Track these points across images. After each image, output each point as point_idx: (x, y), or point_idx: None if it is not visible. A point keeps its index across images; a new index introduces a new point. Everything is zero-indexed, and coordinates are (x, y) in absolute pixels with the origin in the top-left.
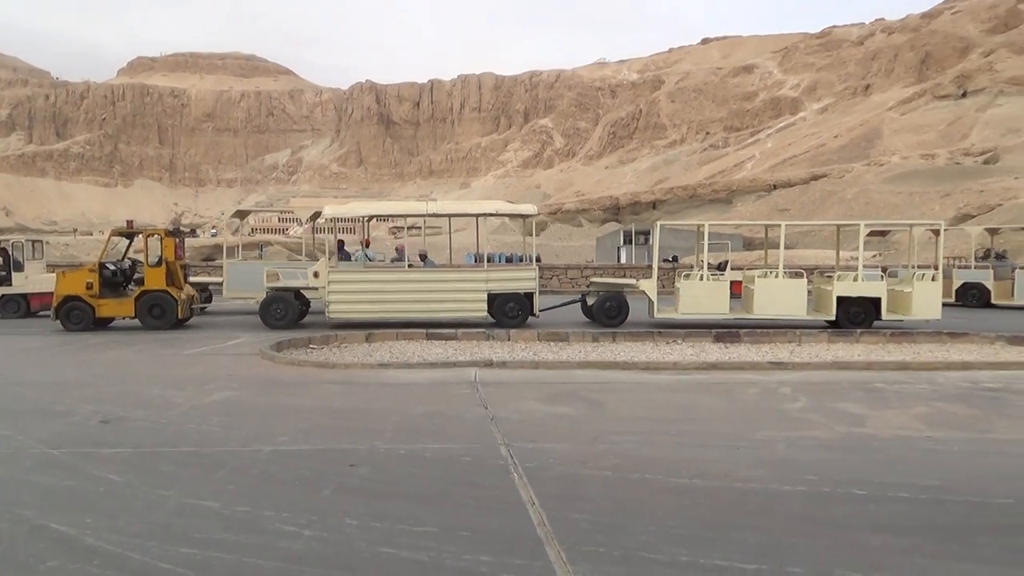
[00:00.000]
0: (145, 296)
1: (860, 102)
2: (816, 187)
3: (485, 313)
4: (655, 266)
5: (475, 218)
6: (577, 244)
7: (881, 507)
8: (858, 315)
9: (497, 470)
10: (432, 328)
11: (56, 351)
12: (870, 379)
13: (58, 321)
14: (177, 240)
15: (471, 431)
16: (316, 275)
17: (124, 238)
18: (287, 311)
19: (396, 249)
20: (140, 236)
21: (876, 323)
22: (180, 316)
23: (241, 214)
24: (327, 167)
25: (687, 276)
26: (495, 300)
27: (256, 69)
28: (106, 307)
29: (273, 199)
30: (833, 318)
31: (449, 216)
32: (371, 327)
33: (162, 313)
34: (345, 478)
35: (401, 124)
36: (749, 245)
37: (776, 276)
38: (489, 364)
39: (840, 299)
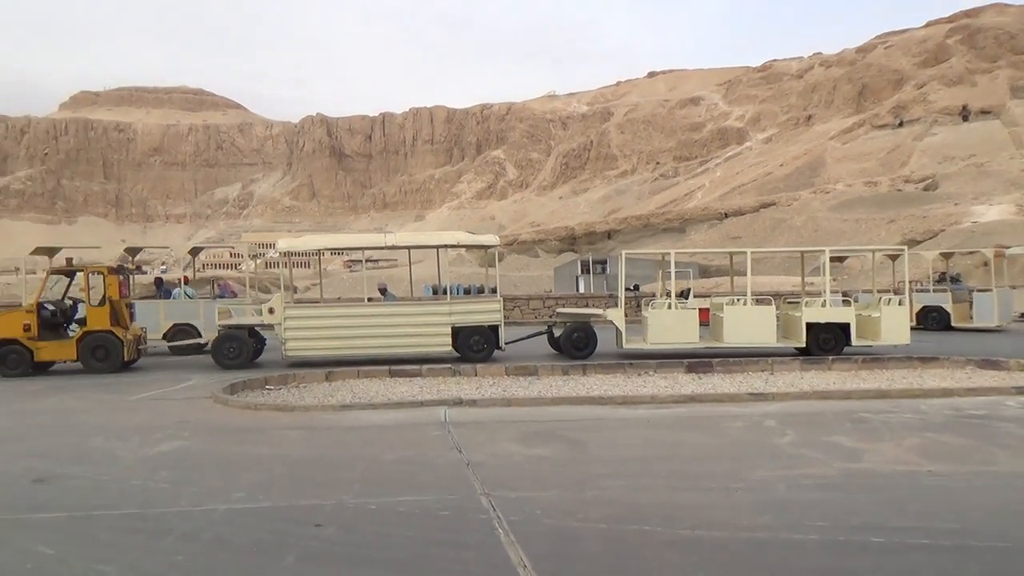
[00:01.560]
0: (88, 337)
1: (803, 132)
2: (766, 215)
3: (449, 348)
4: (621, 295)
5: (435, 249)
6: (535, 274)
7: (904, 558)
8: (828, 341)
9: (480, 526)
10: (395, 365)
11: None
12: (853, 408)
13: None
14: (121, 277)
15: (446, 479)
16: (271, 311)
17: (64, 276)
18: (241, 350)
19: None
20: (81, 274)
21: (846, 349)
22: (126, 358)
23: (195, 251)
24: (279, 201)
25: (654, 305)
26: (459, 333)
27: (204, 103)
28: (45, 350)
29: (224, 234)
30: (803, 345)
31: (408, 248)
32: (330, 365)
33: (106, 355)
34: (310, 542)
35: (353, 157)
36: (705, 273)
37: (744, 303)
38: (459, 403)
39: (809, 325)
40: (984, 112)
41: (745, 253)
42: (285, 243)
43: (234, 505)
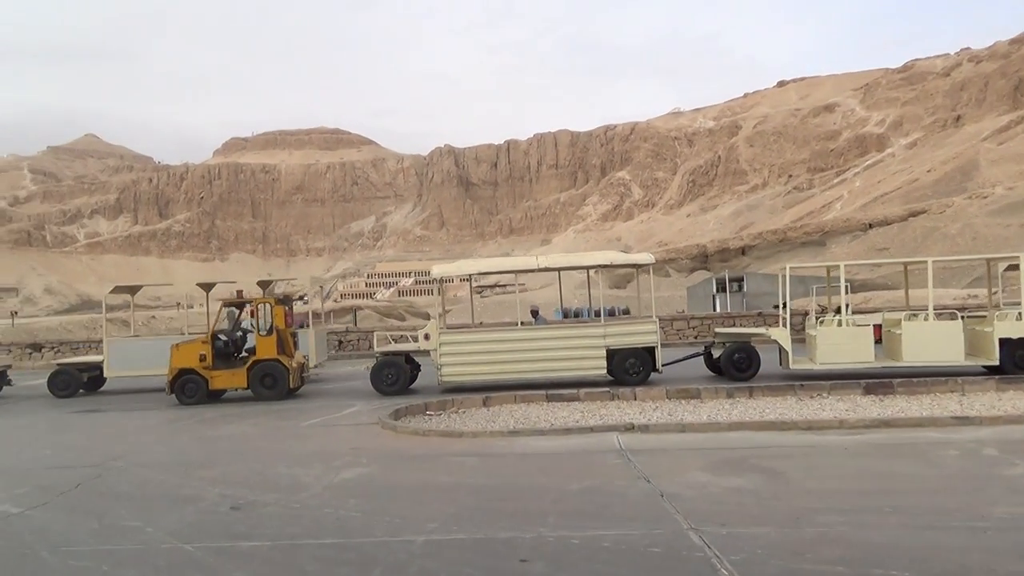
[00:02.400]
0: (257, 366)
1: (951, 134)
2: (915, 224)
3: (604, 371)
4: (788, 314)
5: (586, 270)
6: (666, 294)
7: None
8: None
9: (700, 565)
10: (550, 389)
11: (174, 427)
12: None
13: (173, 395)
14: (287, 307)
15: (643, 512)
16: (427, 337)
17: (234, 308)
18: (398, 376)
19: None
20: (250, 305)
21: None
22: (292, 386)
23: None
24: (410, 231)
25: (822, 322)
26: (614, 356)
27: (340, 141)
28: (219, 379)
29: (360, 265)
30: (996, 363)
31: (561, 269)
32: (484, 390)
33: (274, 383)
34: None
35: (480, 185)
36: (851, 287)
37: (927, 318)
38: (630, 428)
39: (1003, 341)
40: None
41: (927, 262)
42: (439, 269)
43: (431, 536)
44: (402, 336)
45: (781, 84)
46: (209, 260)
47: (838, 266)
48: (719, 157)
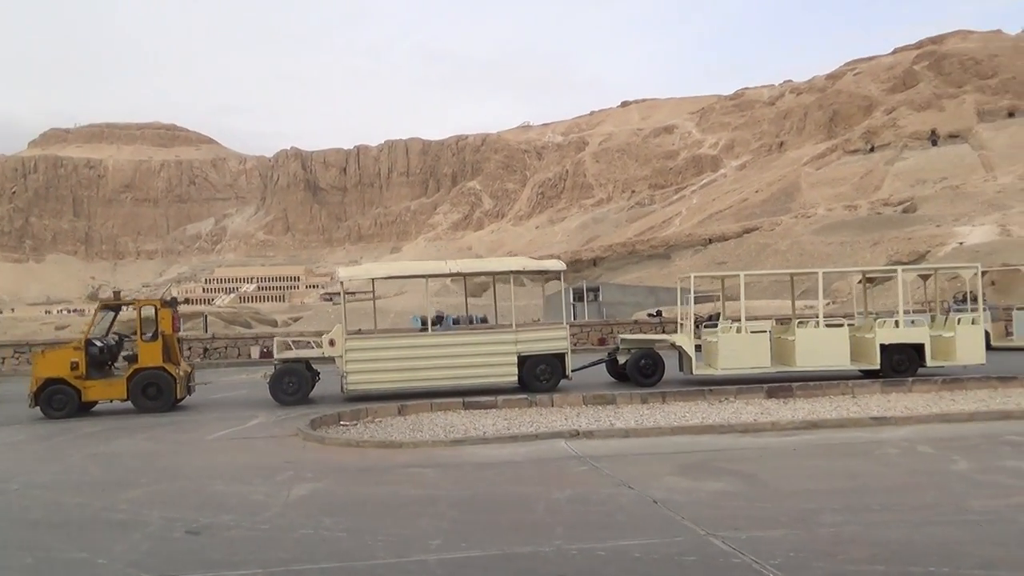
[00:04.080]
0: (139, 375)
1: (776, 158)
2: (750, 239)
3: (515, 378)
4: (691, 320)
5: (492, 276)
6: (521, 303)
7: None
8: (901, 363)
9: (744, 572)
10: (461, 396)
11: (52, 444)
12: (994, 431)
13: (37, 408)
14: (173, 310)
15: (648, 520)
16: (332, 343)
17: (110, 311)
18: (300, 384)
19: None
20: (132, 308)
21: (920, 370)
22: (178, 396)
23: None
24: (253, 235)
25: (722, 330)
26: (525, 362)
27: (176, 138)
28: (94, 389)
29: (196, 269)
30: (876, 367)
31: (472, 274)
32: (389, 398)
33: (158, 393)
34: None
35: (328, 190)
36: (701, 298)
37: (817, 326)
38: (575, 435)
39: (883, 347)
40: (952, 136)
41: (817, 273)
42: (346, 272)
43: (442, 555)
44: (304, 342)
45: (624, 104)
46: (22, 261)
47: (738, 275)
48: (567, 171)
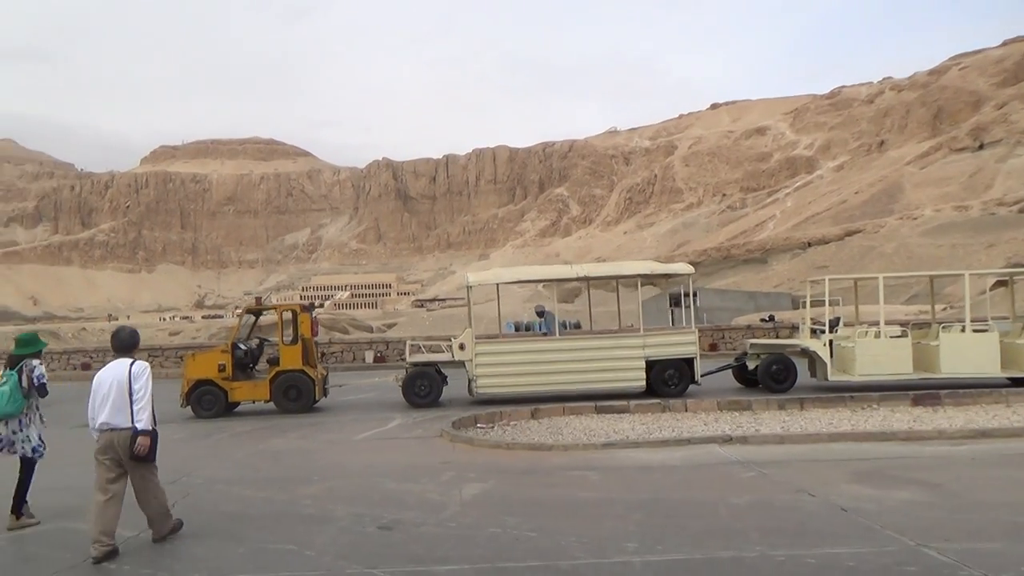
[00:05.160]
0: (280, 377)
1: (876, 158)
2: (852, 243)
3: (643, 382)
4: (826, 325)
5: (615, 280)
6: (614, 309)
7: None
8: None
9: None
10: (591, 401)
11: (214, 441)
12: None
13: (188, 407)
14: (312, 316)
15: (845, 527)
16: (462, 347)
17: (252, 316)
18: (431, 387)
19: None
20: (275, 312)
21: None
22: (316, 398)
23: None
24: (346, 244)
25: (861, 334)
26: (653, 367)
27: (275, 152)
28: (239, 390)
29: (294, 278)
30: None
31: (599, 278)
32: (516, 402)
33: (298, 395)
34: None
35: (418, 199)
36: (796, 304)
37: (963, 330)
38: (728, 440)
39: None
40: None
41: (963, 275)
42: (475, 276)
43: (645, 557)
44: (434, 346)
45: (714, 107)
46: (135, 271)
47: (877, 278)
48: (655, 175)
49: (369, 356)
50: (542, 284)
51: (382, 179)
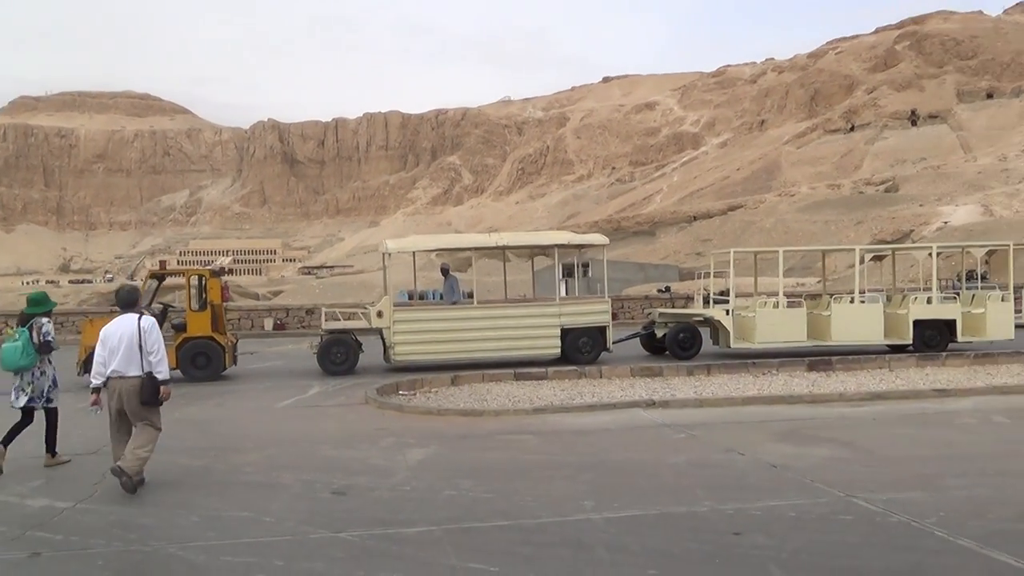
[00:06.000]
0: (188, 344)
1: (757, 136)
2: (735, 217)
3: (558, 350)
4: (733, 295)
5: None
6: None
7: None
8: (933, 338)
9: (905, 528)
10: (508, 368)
11: None
12: None
13: (87, 375)
14: (223, 281)
15: (779, 482)
16: (380, 315)
17: (155, 280)
18: (348, 355)
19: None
20: (183, 277)
21: (951, 345)
22: (226, 366)
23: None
24: (228, 207)
25: (761, 304)
26: (567, 335)
27: (150, 108)
28: None
29: (170, 241)
30: (907, 342)
31: (517, 248)
32: (432, 369)
33: (207, 363)
34: (767, 551)
35: (306, 163)
36: (686, 275)
37: (852, 302)
38: (651, 404)
39: (916, 322)
40: (932, 116)
41: (854, 250)
42: (394, 244)
43: (605, 515)
44: (352, 313)
45: (606, 80)
46: None
47: (776, 251)
48: (547, 147)
49: (268, 323)
50: (435, 253)
51: (267, 141)
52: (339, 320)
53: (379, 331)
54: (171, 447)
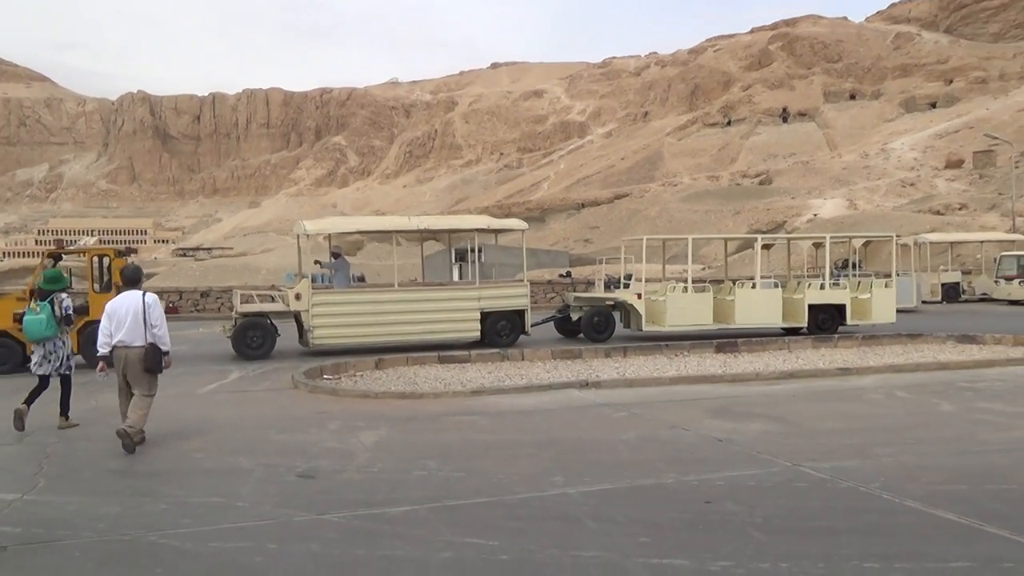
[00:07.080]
0: (90, 328)
1: (641, 127)
2: (621, 205)
3: (478, 333)
4: (643, 280)
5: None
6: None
7: None
8: (825, 321)
9: (853, 493)
10: (433, 351)
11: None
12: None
13: None
14: (129, 260)
15: (729, 454)
16: (298, 297)
17: (53, 260)
18: (264, 339)
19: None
20: (85, 257)
21: (840, 328)
22: None
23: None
24: (93, 184)
25: (671, 289)
26: (487, 318)
27: (3, 74)
28: None
29: (27, 219)
30: (804, 325)
31: (439, 231)
32: (351, 353)
33: None
34: (741, 516)
35: (180, 139)
36: (576, 261)
37: (754, 287)
38: (585, 385)
39: (811, 307)
40: (801, 114)
41: (757, 239)
42: (313, 225)
43: (578, 489)
44: (267, 296)
45: (495, 66)
46: None
47: (686, 239)
48: (436, 130)
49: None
50: (322, 237)
51: (137, 114)
52: (255, 303)
53: (295, 314)
54: (100, 435)
